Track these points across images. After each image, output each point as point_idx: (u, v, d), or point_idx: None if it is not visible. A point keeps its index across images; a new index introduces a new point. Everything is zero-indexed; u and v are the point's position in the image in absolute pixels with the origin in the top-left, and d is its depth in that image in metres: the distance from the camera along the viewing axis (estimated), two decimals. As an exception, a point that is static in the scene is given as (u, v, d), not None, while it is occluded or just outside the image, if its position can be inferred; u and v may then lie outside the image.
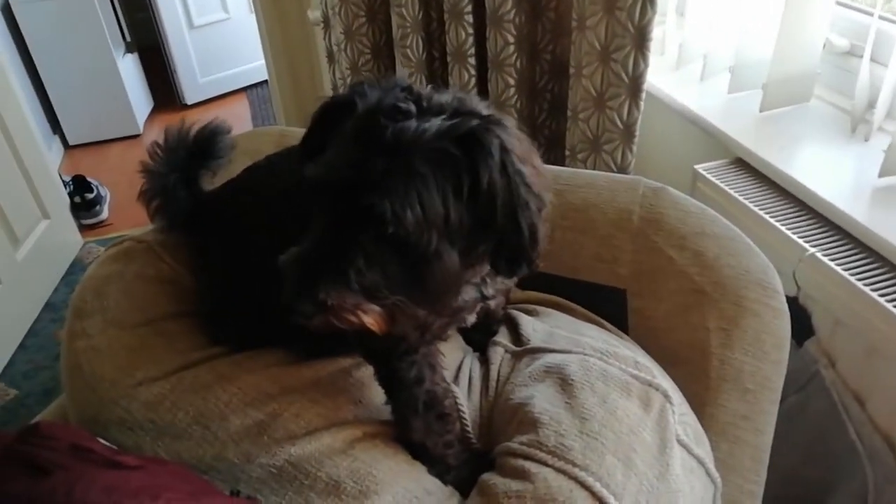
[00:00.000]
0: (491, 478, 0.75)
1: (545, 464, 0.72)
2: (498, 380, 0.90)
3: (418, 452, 0.81)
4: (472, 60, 1.53)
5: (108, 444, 0.69)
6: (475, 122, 0.57)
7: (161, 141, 0.95)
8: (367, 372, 0.86)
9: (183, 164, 0.95)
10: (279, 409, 0.81)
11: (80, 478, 0.53)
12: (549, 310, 1.04)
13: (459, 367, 0.94)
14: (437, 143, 0.56)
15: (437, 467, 0.81)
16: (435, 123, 0.56)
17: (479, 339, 0.99)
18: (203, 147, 0.95)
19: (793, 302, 1.01)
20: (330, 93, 2.04)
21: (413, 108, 0.57)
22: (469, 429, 0.86)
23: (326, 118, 0.63)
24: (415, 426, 0.79)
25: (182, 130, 0.95)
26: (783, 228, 1.04)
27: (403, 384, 0.78)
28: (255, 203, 0.88)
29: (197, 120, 0.97)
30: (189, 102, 3.60)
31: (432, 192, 0.55)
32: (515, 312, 1.02)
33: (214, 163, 0.97)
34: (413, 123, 0.56)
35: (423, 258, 0.56)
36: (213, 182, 0.99)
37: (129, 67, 3.37)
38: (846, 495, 0.97)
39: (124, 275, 0.97)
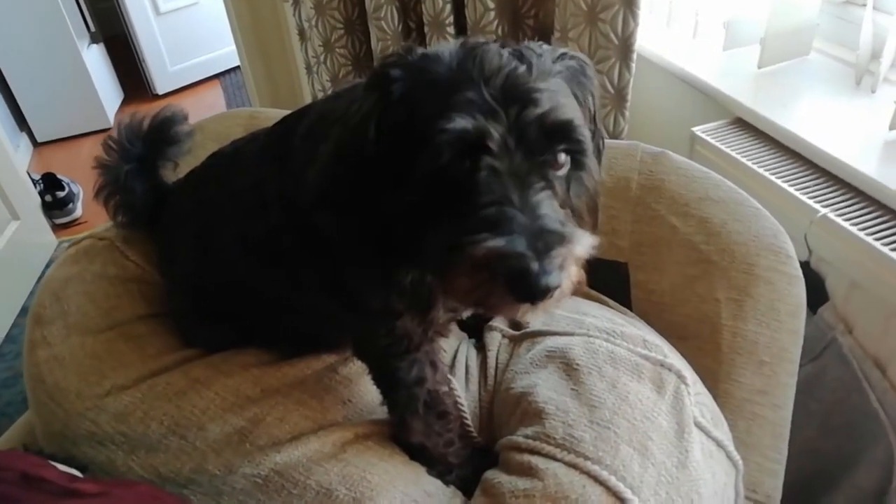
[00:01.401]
0: (495, 476, 0.69)
1: (554, 458, 0.66)
2: (497, 367, 0.84)
3: (417, 453, 0.75)
4: (451, 29, 1.45)
5: (67, 469, 0.62)
6: (574, 59, 0.58)
7: (115, 134, 0.88)
8: (354, 368, 0.80)
9: (139, 156, 0.88)
10: (261, 414, 0.75)
11: (31, 511, 0.47)
12: (547, 288, 0.97)
13: (455, 356, 0.87)
14: (565, 73, 0.56)
15: (438, 467, 0.75)
16: (547, 60, 0.54)
17: (474, 324, 0.93)
18: (159, 137, 0.89)
19: (805, 267, 0.95)
20: (304, 71, 1.95)
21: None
22: (469, 422, 0.80)
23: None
24: (415, 427, 0.73)
25: (134, 122, 0.89)
26: (791, 189, 0.97)
27: (403, 385, 0.71)
28: (220, 194, 0.80)
29: (151, 110, 0.90)
30: (160, 92, 3.48)
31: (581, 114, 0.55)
32: (511, 293, 0.95)
33: (173, 152, 0.90)
34: (529, 62, 0.53)
35: (587, 188, 0.55)
36: (176, 173, 0.91)
37: (96, 59, 3.24)
38: (870, 466, 0.92)
39: (85, 276, 0.90)
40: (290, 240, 0.68)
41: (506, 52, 0.53)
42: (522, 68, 0.51)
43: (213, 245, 0.79)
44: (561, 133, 0.51)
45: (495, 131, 0.48)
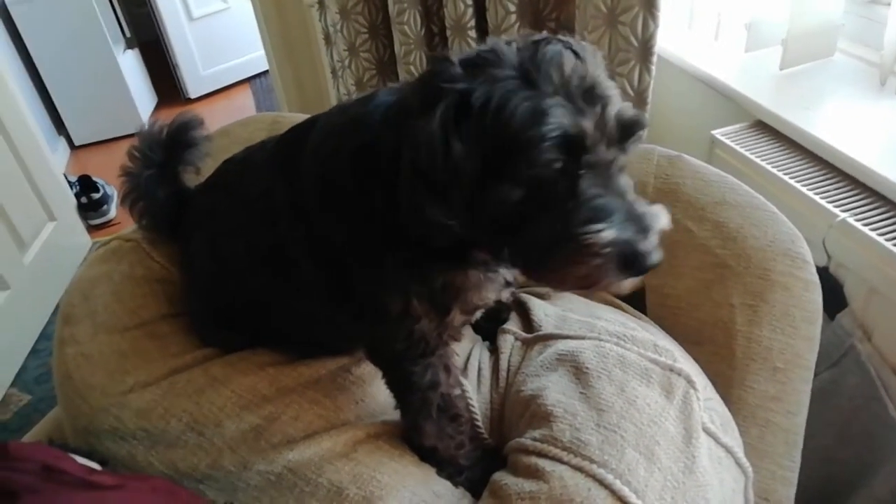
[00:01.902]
0: (503, 477, 0.70)
1: (560, 461, 0.67)
2: (508, 370, 0.85)
3: (427, 454, 0.76)
4: (473, 33, 1.46)
5: (87, 462, 0.65)
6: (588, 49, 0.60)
7: (137, 143, 0.92)
8: (367, 369, 0.82)
9: (160, 162, 0.92)
10: (276, 412, 0.77)
11: (52, 501, 0.49)
12: (562, 292, 0.98)
13: (468, 359, 0.88)
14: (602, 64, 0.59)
15: (448, 469, 0.76)
16: (588, 52, 0.57)
17: (487, 327, 0.94)
18: (177, 143, 0.92)
19: (823, 272, 0.94)
20: (329, 76, 1.98)
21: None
22: (480, 424, 0.80)
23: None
24: (428, 431, 0.74)
25: (154, 129, 0.92)
26: (810, 194, 0.96)
27: (417, 388, 0.72)
28: (231, 201, 0.83)
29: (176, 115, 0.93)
30: (192, 96, 3.55)
31: None
32: (526, 296, 0.96)
33: (192, 157, 0.93)
34: (583, 58, 0.56)
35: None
36: (200, 177, 0.94)
37: (131, 64, 3.33)
38: (887, 476, 0.91)
39: (113, 276, 0.93)
40: (300, 249, 0.70)
41: (567, 50, 0.55)
42: (588, 66, 0.54)
43: (224, 251, 0.82)
44: (633, 127, 0.55)
45: (589, 130, 0.52)
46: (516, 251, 0.57)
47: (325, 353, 0.83)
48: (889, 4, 1.05)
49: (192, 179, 0.97)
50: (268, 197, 0.73)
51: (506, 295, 0.78)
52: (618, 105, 0.54)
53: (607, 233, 0.51)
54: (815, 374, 0.89)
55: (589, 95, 0.53)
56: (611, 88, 0.55)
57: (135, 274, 0.93)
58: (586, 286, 0.55)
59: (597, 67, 0.56)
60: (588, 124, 0.52)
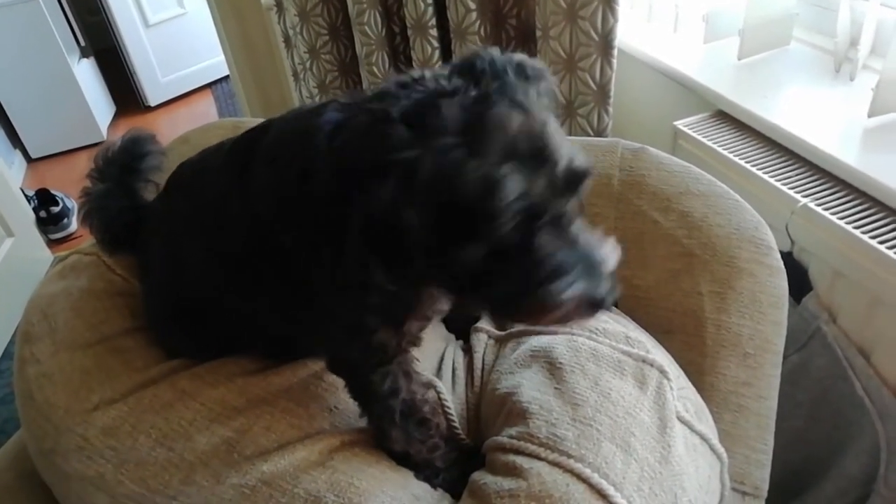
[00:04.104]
0: (481, 477, 0.70)
1: (538, 457, 0.67)
2: (483, 368, 0.85)
3: (402, 459, 0.75)
4: (434, 32, 1.46)
5: None
6: (535, 71, 0.61)
7: (94, 163, 0.92)
8: (340, 374, 0.80)
9: (114, 178, 0.91)
10: (248, 423, 0.75)
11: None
12: (533, 288, 0.98)
13: (441, 359, 0.88)
14: (545, 101, 0.60)
15: (425, 472, 0.75)
16: (531, 94, 0.58)
17: (460, 326, 0.93)
18: (129, 158, 0.92)
19: (787, 257, 0.95)
20: (291, 80, 1.95)
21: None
22: (456, 424, 0.80)
23: None
24: (394, 437, 0.73)
25: (108, 147, 0.92)
26: (772, 180, 0.98)
27: (377, 397, 0.71)
28: (186, 205, 0.81)
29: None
30: (152, 104, 3.49)
31: None
32: (498, 294, 0.95)
33: (146, 172, 0.93)
34: (526, 108, 0.55)
35: None
36: (157, 191, 0.93)
37: (87, 73, 3.25)
38: (857, 454, 0.93)
39: (72, 292, 0.90)
40: (255, 257, 0.69)
41: (513, 110, 0.53)
42: (534, 124, 0.53)
43: (181, 256, 0.80)
44: (582, 178, 0.55)
45: (542, 193, 0.52)
46: (479, 302, 0.60)
47: (290, 359, 0.82)
48: (840, -8, 1.07)
49: (152, 195, 0.95)
50: (224, 203, 0.71)
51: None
52: (566, 157, 0.54)
53: (568, 292, 0.55)
54: (784, 357, 0.91)
55: (538, 156, 0.52)
56: (559, 143, 0.54)
57: (95, 288, 0.91)
58: (556, 325, 0.61)
59: (544, 119, 0.55)
60: (540, 186, 0.52)
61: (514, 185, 0.50)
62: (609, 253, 0.59)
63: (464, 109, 0.52)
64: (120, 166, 0.92)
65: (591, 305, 0.57)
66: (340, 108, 0.63)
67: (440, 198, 0.50)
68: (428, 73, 0.57)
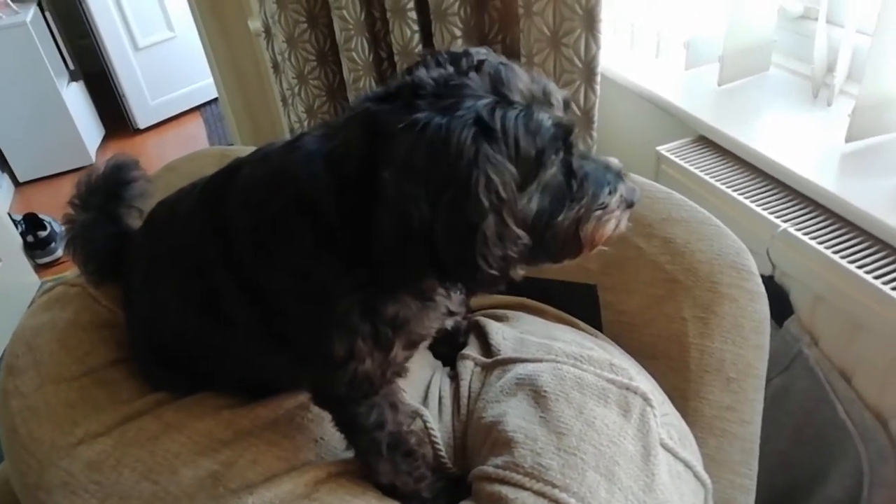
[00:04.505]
0: (467, 507, 0.70)
1: (522, 487, 0.67)
2: (469, 397, 0.85)
3: (388, 490, 0.75)
4: (420, 58, 1.47)
5: None
6: None
7: (77, 190, 0.92)
8: (327, 406, 0.80)
9: (98, 206, 0.91)
10: (234, 456, 0.75)
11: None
12: (519, 313, 0.99)
13: (428, 387, 0.88)
14: None
15: (412, 502, 0.75)
16: None
17: (447, 353, 0.94)
18: (112, 185, 0.92)
19: (769, 281, 0.97)
20: (280, 104, 1.97)
21: None
22: (443, 454, 0.80)
23: None
24: (381, 470, 0.73)
25: (91, 173, 0.92)
26: (752, 206, 0.99)
27: (363, 430, 0.72)
28: (161, 248, 0.82)
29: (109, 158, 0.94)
30: (141, 127, 3.49)
31: None
32: (484, 319, 0.96)
33: (130, 199, 0.93)
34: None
35: None
36: (141, 217, 0.93)
37: (76, 96, 3.26)
38: (840, 476, 0.94)
39: (57, 323, 0.90)
40: (233, 299, 0.70)
41: (505, 66, 0.60)
42: (528, 73, 0.61)
43: (158, 297, 0.80)
44: (569, 105, 0.65)
45: (562, 119, 0.61)
46: (537, 247, 0.61)
47: (271, 393, 0.82)
48: (817, 19, 1.09)
49: (138, 221, 0.95)
50: (196, 248, 0.72)
51: (449, 323, 0.78)
52: (559, 92, 0.62)
53: (615, 197, 0.64)
54: (768, 380, 0.92)
55: (546, 95, 0.60)
56: (550, 81, 0.62)
57: (81, 320, 0.91)
58: (606, 241, 0.65)
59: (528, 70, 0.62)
60: (562, 116, 0.61)
61: (547, 118, 0.58)
62: (615, 160, 0.67)
63: (482, 75, 0.57)
64: (104, 193, 0.93)
65: (629, 205, 0.65)
66: (317, 140, 0.64)
67: (508, 145, 0.55)
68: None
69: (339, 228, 0.60)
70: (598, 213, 0.63)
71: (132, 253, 0.88)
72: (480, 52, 0.61)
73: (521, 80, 0.59)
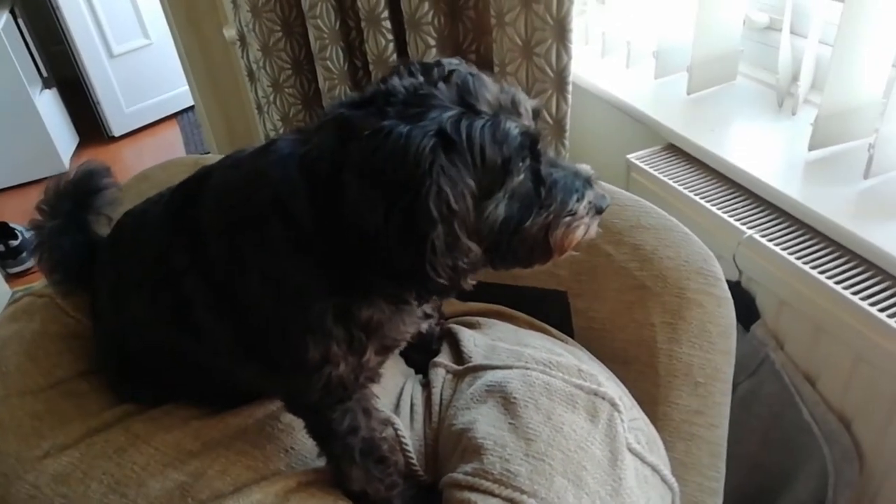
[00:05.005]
0: (437, 514, 0.70)
1: (492, 493, 0.68)
2: (441, 404, 0.85)
3: (359, 498, 0.75)
4: (395, 66, 1.48)
5: None
6: None
7: (45, 195, 0.89)
8: (296, 415, 0.80)
9: (66, 212, 0.89)
10: (202, 467, 0.75)
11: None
12: (492, 320, 0.99)
13: (400, 394, 0.88)
14: None
15: (383, 510, 0.75)
16: None
17: (420, 360, 0.94)
18: (82, 192, 0.90)
19: (736, 286, 0.98)
20: (255, 111, 1.96)
21: None
22: (414, 461, 0.80)
23: None
24: (353, 476, 0.73)
25: (60, 181, 0.90)
26: (719, 212, 1.01)
27: (336, 436, 0.72)
28: (129, 259, 0.81)
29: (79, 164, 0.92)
30: (117, 134, 3.44)
31: None
32: (456, 327, 0.97)
33: (100, 206, 0.91)
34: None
35: None
36: (110, 225, 0.92)
37: (49, 104, 3.21)
38: (807, 477, 0.95)
39: (24, 335, 0.89)
40: (206, 308, 0.69)
41: (472, 75, 0.61)
42: (496, 83, 0.63)
43: (126, 311, 0.80)
44: (539, 113, 0.67)
45: (530, 127, 0.62)
46: (505, 252, 0.63)
47: (242, 403, 0.81)
48: (781, 30, 1.12)
49: (106, 229, 0.94)
50: (166, 257, 0.71)
51: (424, 327, 0.79)
52: (527, 100, 0.64)
53: (583, 203, 0.65)
54: (736, 384, 0.93)
55: (515, 105, 0.61)
56: (518, 90, 0.63)
57: (48, 331, 0.90)
58: (576, 246, 0.66)
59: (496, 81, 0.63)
60: (530, 124, 0.62)
61: (514, 127, 0.59)
62: (585, 166, 0.68)
63: (449, 86, 0.59)
64: (73, 200, 0.91)
65: (598, 211, 0.66)
66: (291, 143, 0.64)
67: (474, 156, 0.56)
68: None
69: (313, 231, 0.61)
70: (568, 219, 0.64)
71: (99, 263, 0.87)
72: (452, 63, 0.62)
73: (490, 90, 0.60)
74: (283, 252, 0.63)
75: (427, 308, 0.76)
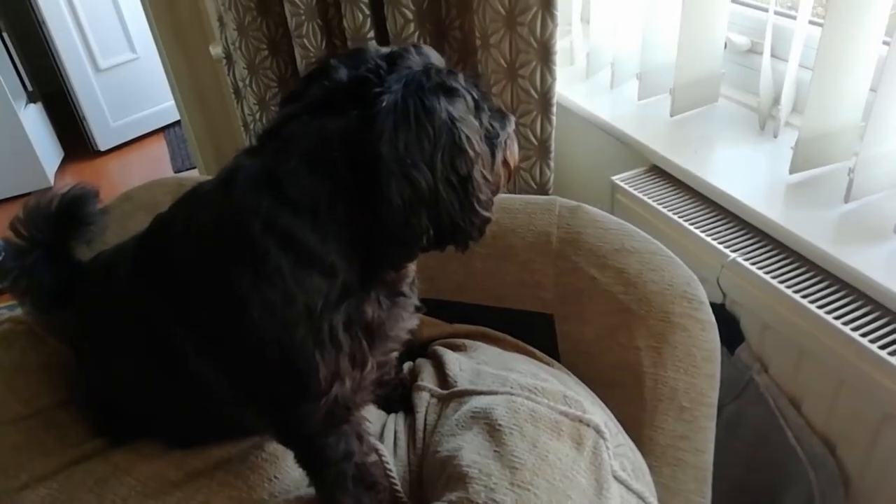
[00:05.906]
0: (422, 545, 0.70)
1: (476, 524, 0.67)
2: (425, 429, 0.85)
3: (347, 526, 0.74)
4: (374, 44, 1.47)
5: None
6: None
7: (21, 215, 0.84)
8: (280, 445, 0.79)
9: (48, 242, 0.85)
10: (184, 498, 0.74)
11: None
12: (477, 343, 0.99)
13: (384, 423, 0.88)
14: None
15: (367, 538, 0.75)
16: None
17: (402, 393, 0.93)
18: (69, 216, 0.86)
19: (720, 309, 0.99)
20: (241, 127, 1.96)
21: None
22: (399, 489, 0.79)
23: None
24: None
25: (42, 203, 0.85)
26: (703, 235, 1.02)
27: (330, 462, 0.71)
28: (103, 303, 0.80)
29: (63, 187, 0.88)
30: (102, 148, 3.43)
31: None
32: (441, 349, 0.96)
33: (83, 235, 0.87)
34: None
35: None
36: (91, 250, 0.90)
37: (34, 118, 3.19)
38: (793, 501, 0.96)
39: (3, 363, 0.88)
40: (199, 357, 0.68)
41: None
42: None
43: (104, 347, 0.79)
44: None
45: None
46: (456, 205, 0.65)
47: (230, 437, 0.81)
48: (762, 53, 1.13)
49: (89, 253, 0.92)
50: (140, 306, 0.70)
51: (415, 322, 0.79)
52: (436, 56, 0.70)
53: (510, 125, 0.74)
54: (721, 407, 0.93)
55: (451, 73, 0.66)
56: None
57: (28, 360, 0.89)
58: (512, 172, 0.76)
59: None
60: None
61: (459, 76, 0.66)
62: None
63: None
64: (55, 228, 0.86)
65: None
66: (258, 160, 0.64)
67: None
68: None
69: (322, 239, 0.62)
70: (509, 141, 0.73)
71: (80, 297, 0.85)
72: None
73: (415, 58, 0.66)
74: (288, 275, 0.62)
75: (416, 301, 0.77)
